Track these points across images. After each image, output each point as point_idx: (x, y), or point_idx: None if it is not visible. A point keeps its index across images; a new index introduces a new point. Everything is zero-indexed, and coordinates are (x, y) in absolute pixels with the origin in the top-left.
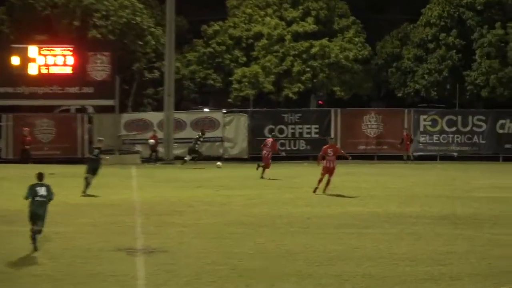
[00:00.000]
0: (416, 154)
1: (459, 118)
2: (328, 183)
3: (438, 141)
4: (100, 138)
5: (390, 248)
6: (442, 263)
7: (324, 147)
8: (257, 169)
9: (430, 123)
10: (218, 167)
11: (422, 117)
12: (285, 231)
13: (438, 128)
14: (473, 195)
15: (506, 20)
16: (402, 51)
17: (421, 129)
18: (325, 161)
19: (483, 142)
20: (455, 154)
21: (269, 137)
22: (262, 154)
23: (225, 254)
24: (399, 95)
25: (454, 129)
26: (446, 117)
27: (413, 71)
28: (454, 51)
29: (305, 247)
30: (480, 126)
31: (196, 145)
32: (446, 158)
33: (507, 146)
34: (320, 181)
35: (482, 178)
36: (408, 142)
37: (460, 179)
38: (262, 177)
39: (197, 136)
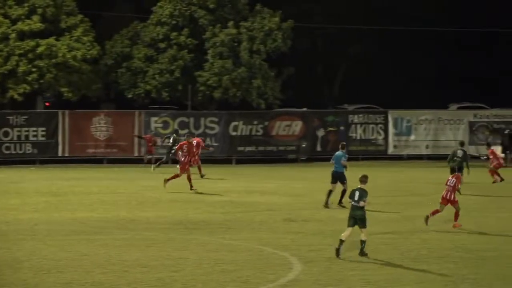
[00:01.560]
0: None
1: (192, 120)
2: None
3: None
4: None
5: (121, 255)
6: (175, 269)
7: (181, 143)
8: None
9: (161, 125)
10: None
11: (153, 119)
12: (11, 238)
13: (169, 130)
14: (206, 199)
15: (238, 19)
16: (132, 50)
17: (153, 131)
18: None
19: (216, 144)
20: None
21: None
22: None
23: None
24: (130, 96)
25: (186, 131)
26: (178, 119)
27: (143, 71)
28: (186, 50)
29: (32, 255)
30: (213, 128)
31: None
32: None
33: (240, 148)
34: (173, 177)
35: (215, 181)
36: (150, 144)
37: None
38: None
39: None
